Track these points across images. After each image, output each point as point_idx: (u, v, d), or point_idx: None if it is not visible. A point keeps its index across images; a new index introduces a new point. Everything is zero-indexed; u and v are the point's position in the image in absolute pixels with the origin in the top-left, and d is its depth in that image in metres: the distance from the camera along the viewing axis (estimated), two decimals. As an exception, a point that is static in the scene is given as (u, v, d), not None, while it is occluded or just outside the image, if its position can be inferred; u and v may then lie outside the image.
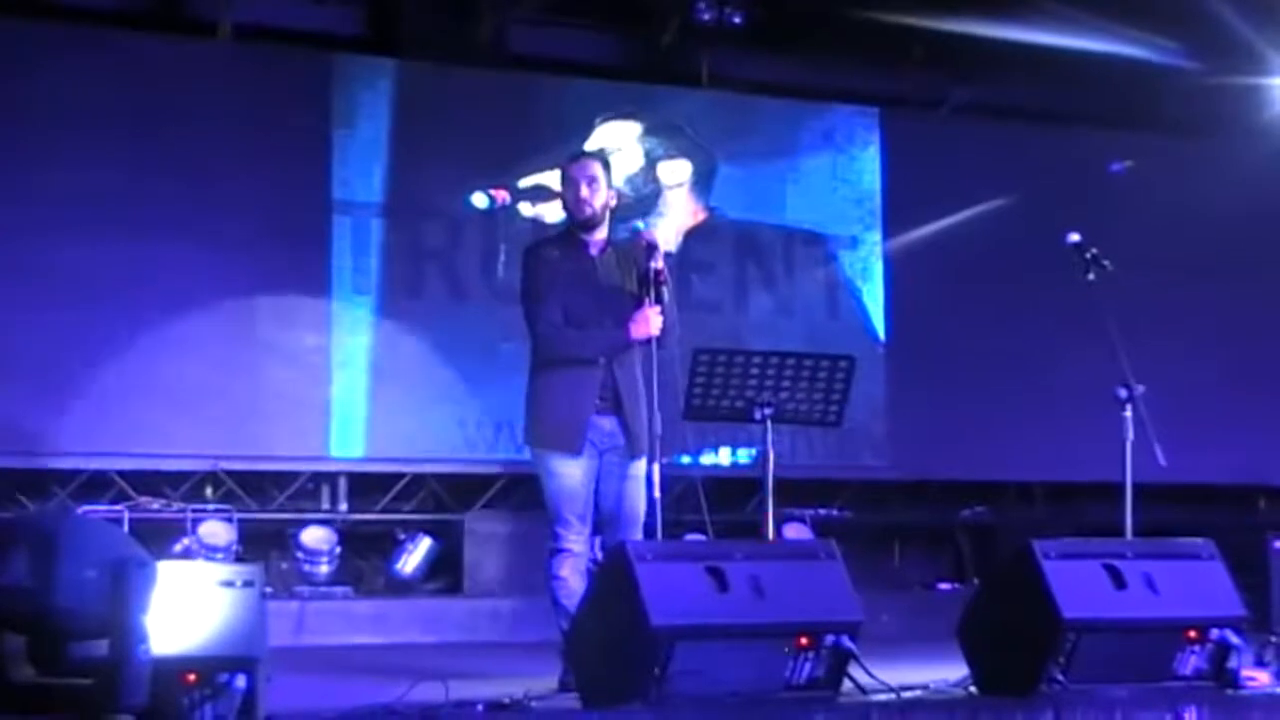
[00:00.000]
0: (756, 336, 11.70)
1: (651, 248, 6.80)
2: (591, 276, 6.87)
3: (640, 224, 7.14)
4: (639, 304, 6.79)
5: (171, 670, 5.45)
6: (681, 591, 5.85)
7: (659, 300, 6.76)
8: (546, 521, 6.91)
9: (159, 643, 5.36)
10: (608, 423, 6.85)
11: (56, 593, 5.22)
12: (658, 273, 6.77)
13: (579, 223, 6.91)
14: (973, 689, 6.59)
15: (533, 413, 6.91)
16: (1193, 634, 6.49)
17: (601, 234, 6.96)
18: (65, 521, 5.73)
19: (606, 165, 7.01)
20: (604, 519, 6.91)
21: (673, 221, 11.96)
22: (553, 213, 11.40)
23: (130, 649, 5.22)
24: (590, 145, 11.62)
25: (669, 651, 5.74)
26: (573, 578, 6.76)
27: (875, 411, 12.15)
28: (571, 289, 6.83)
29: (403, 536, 11.22)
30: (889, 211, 12.59)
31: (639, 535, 6.76)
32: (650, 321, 6.72)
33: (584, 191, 6.87)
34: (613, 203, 6.99)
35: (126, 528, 9.49)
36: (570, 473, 6.80)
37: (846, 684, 6.16)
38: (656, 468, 6.69)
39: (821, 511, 11.97)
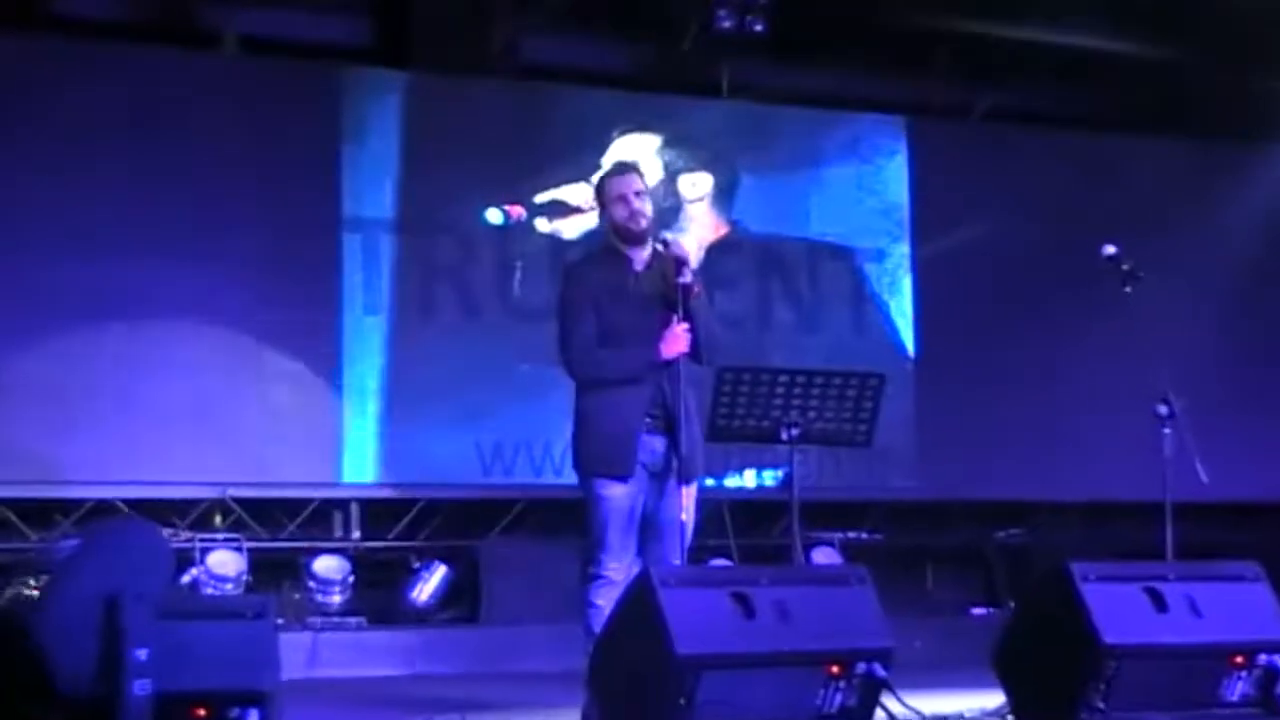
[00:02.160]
0: (781, 354, 11.68)
1: (680, 262, 6.77)
2: (632, 292, 6.82)
3: (668, 234, 7.06)
4: (667, 321, 6.76)
5: (181, 705, 5.45)
6: (707, 619, 5.83)
7: (689, 316, 6.72)
8: (585, 546, 6.85)
9: (167, 677, 5.36)
10: (658, 442, 6.78)
11: (45, 627, 5.23)
12: (686, 287, 6.73)
13: (631, 237, 6.86)
14: (1010, 718, 6.57)
15: (580, 435, 6.85)
16: (1239, 659, 6.46)
17: (646, 249, 6.91)
18: (66, 554, 5.72)
19: (641, 173, 6.99)
20: (647, 535, 6.84)
21: (694, 236, 11.94)
22: (570, 228, 11.42)
23: (124, 685, 5.21)
24: (608, 158, 11.62)
25: (694, 681, 5.73)
26: (608, 606, 6.72)
27: (905, 430, 12.12)
28: (610, 306, 6.80)
29: (418, 564, 11.22)
30: (917, 223, 12.57)
31: (682, 553, 6.71)
32: (680, 339, 6.68)
33: (636, 204, 6.83)
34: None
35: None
36: (618, 496, 6.73)
37: (879, 714, 6.14)
38: (692, 490, 6.68)
39: (850, 534, 11.95)
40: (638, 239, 6.87)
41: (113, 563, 5.53)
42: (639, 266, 6.88)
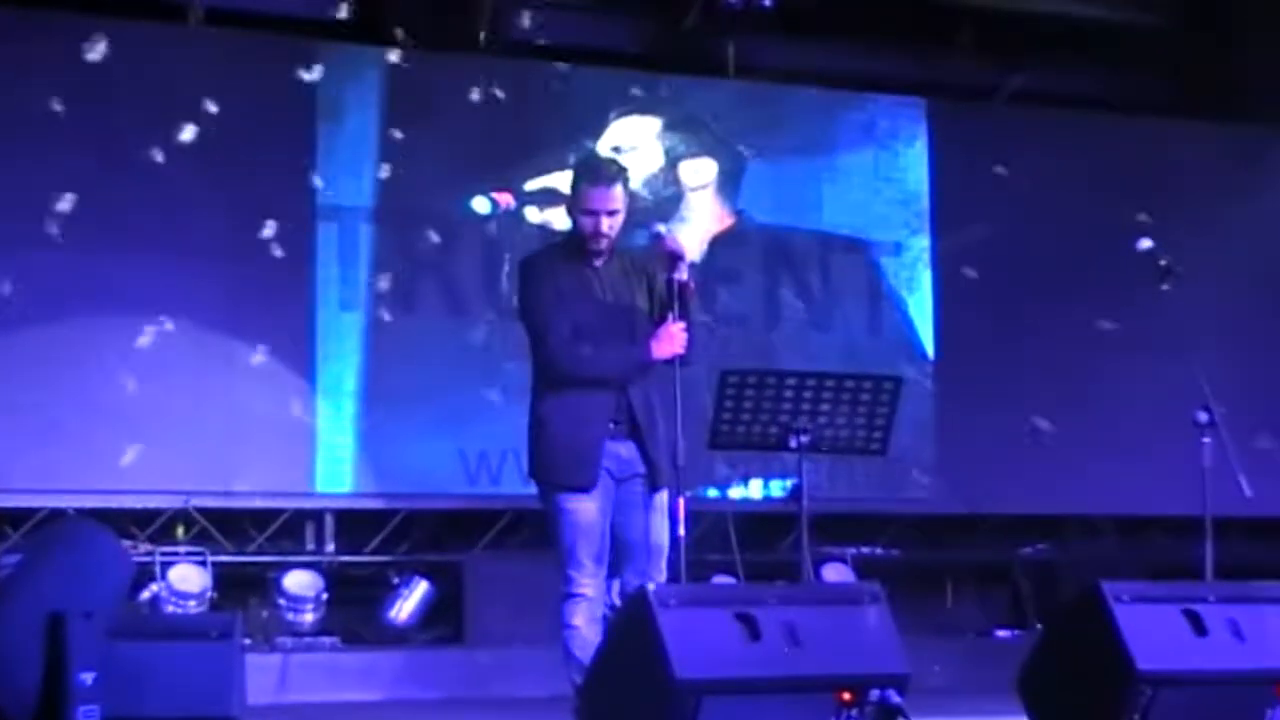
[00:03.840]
0: (790, 355, 11.68)
1: (675, 257, 6.76)
2: (595, 289, 6.83)
3: (662, 227, 7.04)
4: (661, 319, 6.76)
5: (138, 733, 5.44)
6: (708, 641, 5.82)
7: (684, 314, 6.72)
8: (557, 564, 6.88)
9: (120, 703, 5.34)
10: (624, 449, 6.80)
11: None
12: (682, 284, 6.73)
13: (588, 247, 6.86)
14: (1036, 749, 6.56)
15: (537, 443, 6.87)
16: (1284, 687, 6.45)
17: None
18: (7, 572, 5.69)
19: (625, 182, 6.94)
20: (624, 552, 6.86)
21: (697, 227, 11.93)
22: (562, 218, 11.35)
23: (67, 712, 5.19)
24: (604, 142, 11.62)
25: (695, 708, 5.71)
26: (587, 626, 6.73)
27: (923, 438, 12.11)
28: (574, 303, 6.79)
29: (396, 580, 11.21)
30: (937, 213, 12.56)
31: (663, 570, 6.72)
32: (675, 339, 6.68)
33: (604, 224, 6.80)
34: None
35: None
36: (583, 508, 6.75)
37: (894, 744, 6.13)
38: (681, 502, 6.65)
39: (864, 550, 11.94)
40: (605, 252, 6.85)
41: (57, 575, 5.49)
42: (598, 261, 6.88)
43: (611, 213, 6.81)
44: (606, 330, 6.80)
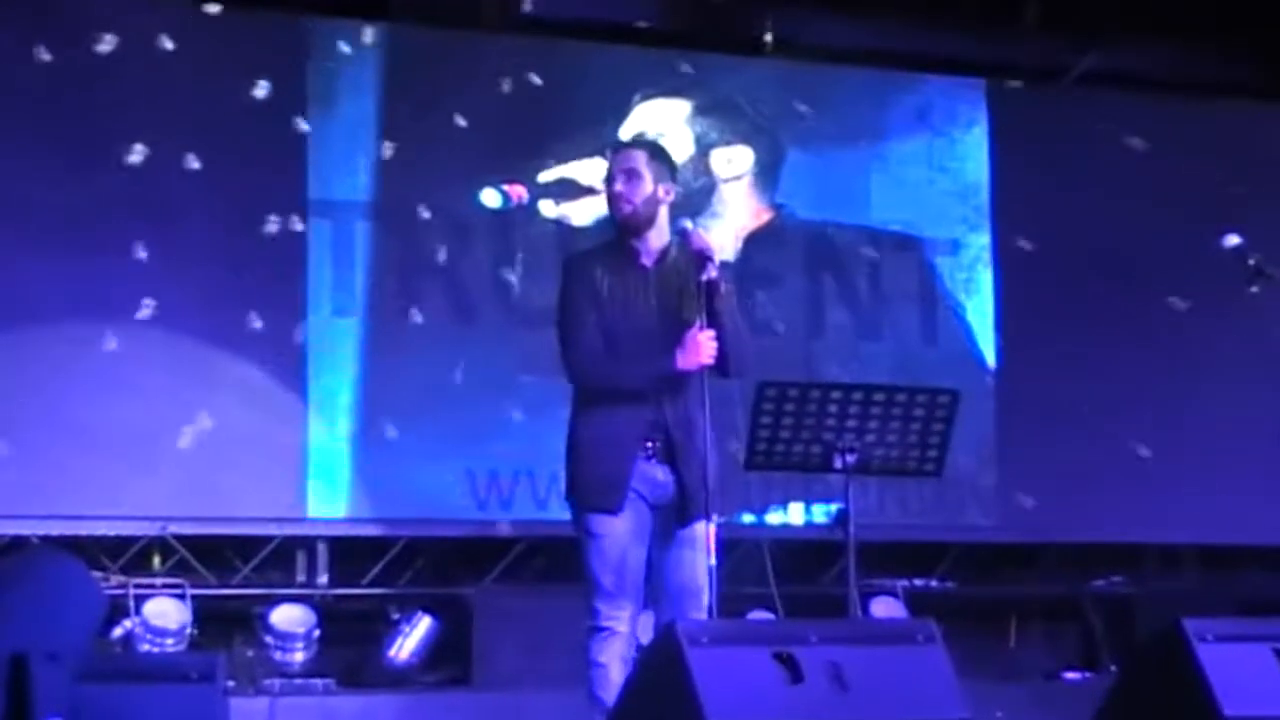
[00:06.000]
0: (835, 365, 11.68)
1: (703, 256, 6.77)
2: (643, 294, 6.88)
3: (689, 223, 7.08)
4: (688, 325, 6.78)
5: (110, 786, 5.44)
6: (744, 683, 5.83)
7: (714, 320, 6.73)
8: (578, 596, 6.90)
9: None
10: (660, 472, 6.85)
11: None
12: (711, 285, 6.74)
13: (618, 224, 6.94)
14: (1110, 805, 6.55)
15: (571, 460, 6.95)
16: (1389, 736, 6.43)
17: (657, 239, 6.96)
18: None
19: (656, 154, 7.03)
20: (658, 589, 6.89)
21: (730, 223, 11.93)
22: (581, 213, 11.39)
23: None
24: (628, 128, 11.61)
25: (730, 760, 5.71)
26: (615, 664, 6.77)
27: (983, 458, 12.10)
28: (618, 310, 6.83)
29: (397, 616, 11.21)
30: (999, 207, 12.54)
31: (701, 613, 6.72)
32: (701, 348, 6.69)
33: (618, 186, 6.94)
34: (667, 198, 6.98)
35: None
36: (611, 533, 6.80)
37: (952, 799, 6.12)
38: (712, 528, 6.66)
39: (917, 583, 11.93)
40: (625, 227, 6.91)
41: (19, 610, 5.50)
42: (648, 260, 6.91)
43: (628, 172, 6.88)
44: (639, 339, 6.83)
